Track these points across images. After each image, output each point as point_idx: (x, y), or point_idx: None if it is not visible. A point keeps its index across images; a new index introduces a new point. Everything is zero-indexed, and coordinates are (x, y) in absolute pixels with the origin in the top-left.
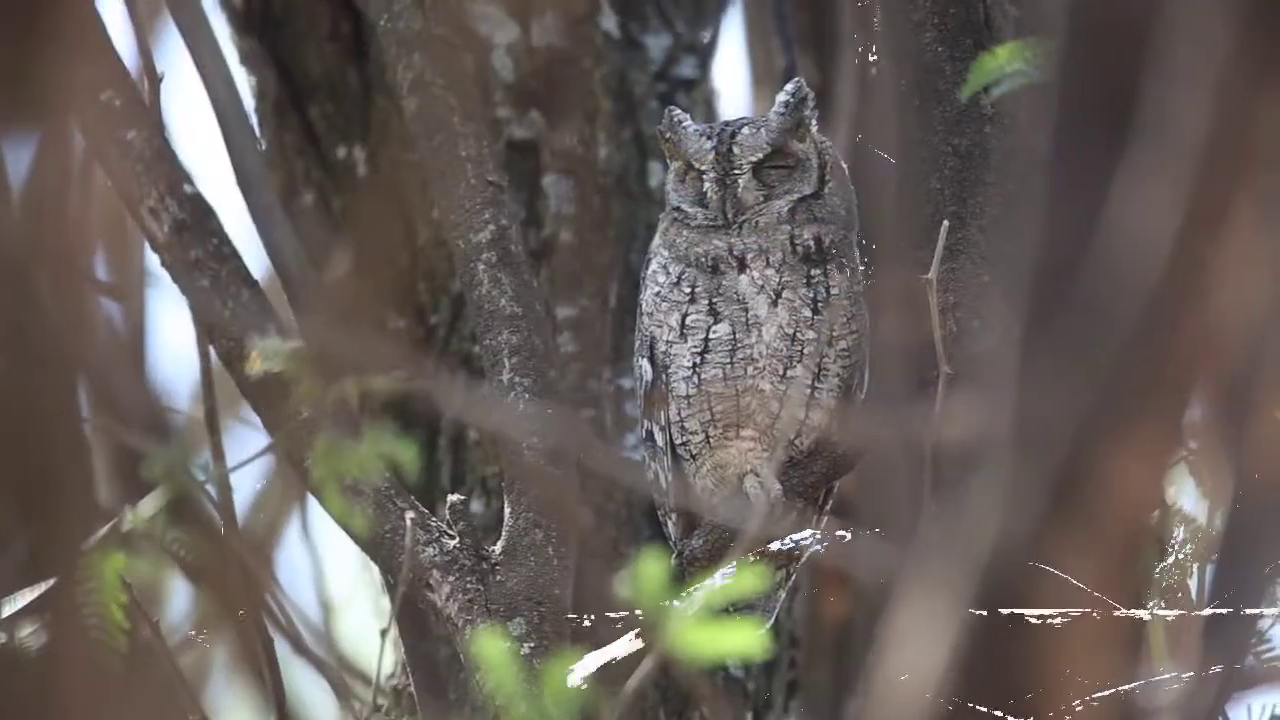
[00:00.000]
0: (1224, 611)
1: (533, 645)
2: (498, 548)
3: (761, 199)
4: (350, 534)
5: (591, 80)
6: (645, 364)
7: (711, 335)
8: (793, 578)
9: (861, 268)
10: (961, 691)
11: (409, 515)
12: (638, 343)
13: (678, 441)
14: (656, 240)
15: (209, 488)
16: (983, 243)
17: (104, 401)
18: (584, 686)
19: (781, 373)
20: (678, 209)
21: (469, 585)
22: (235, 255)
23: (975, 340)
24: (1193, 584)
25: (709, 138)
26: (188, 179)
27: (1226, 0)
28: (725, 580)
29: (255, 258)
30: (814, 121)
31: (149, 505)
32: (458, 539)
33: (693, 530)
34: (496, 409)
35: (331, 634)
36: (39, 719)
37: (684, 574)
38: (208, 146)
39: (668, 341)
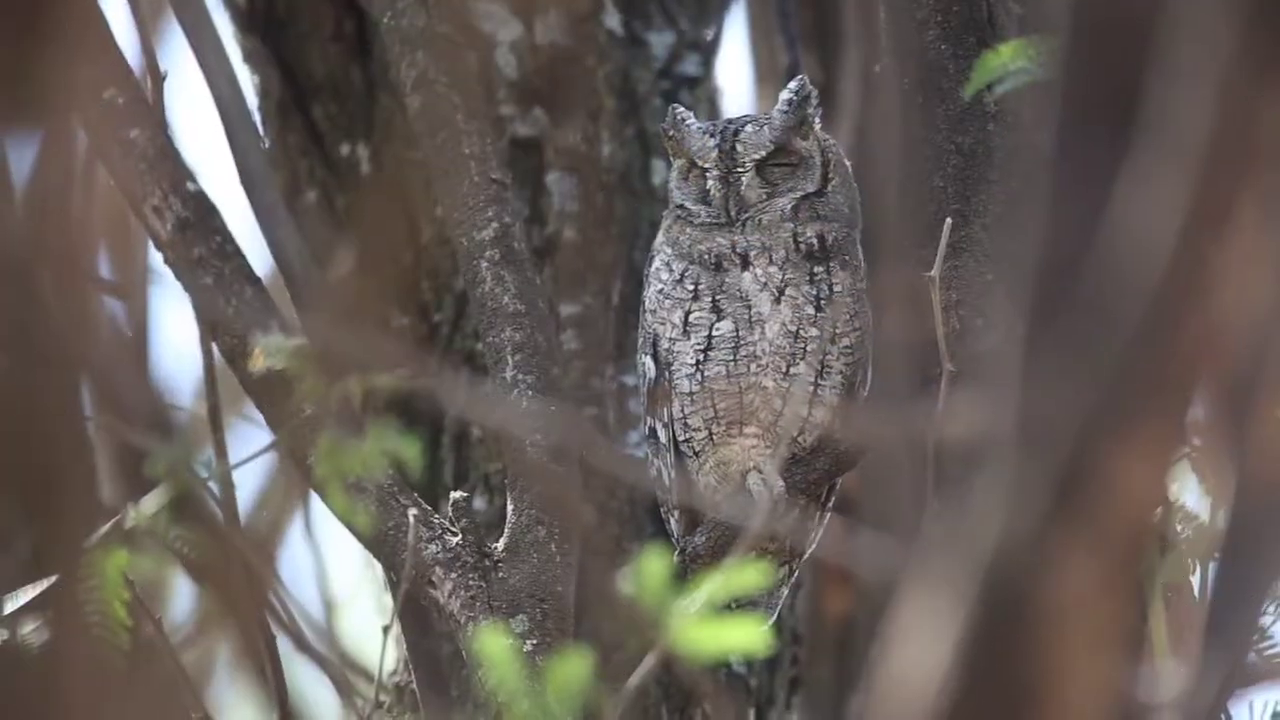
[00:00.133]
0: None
1: (535, 642)
2: (500, 545)
3: (764, 197)
4: (353, 531)
5: (595, 78)
6: (648, 361)
7: (715, 332)
8: (795, 574)
9: (864, 265)
10: (964, 689)
11: (412, 512)
12: (641, 340)
13: (681, 439)
14: (660, 238)
15: (212, 485)
16: (986, 241)
17: (107, 399)
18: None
19: (784, 370)
20: (681, 207)
21: (471, 582)
22: (238, 253)
23: (978, 338)
24: (1195, 581)
25: (712, 135)
26: (191, 177)
27: None
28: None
29: (258, 256)
30: (817, 119)
31: (152, 503)
32: (460, 536)
33: (695, 527)
34: (499, 406)
35: (334, 631)
36: (41, 717)
37: (687, 571)
38: (211, 145)
39: (671, 339)
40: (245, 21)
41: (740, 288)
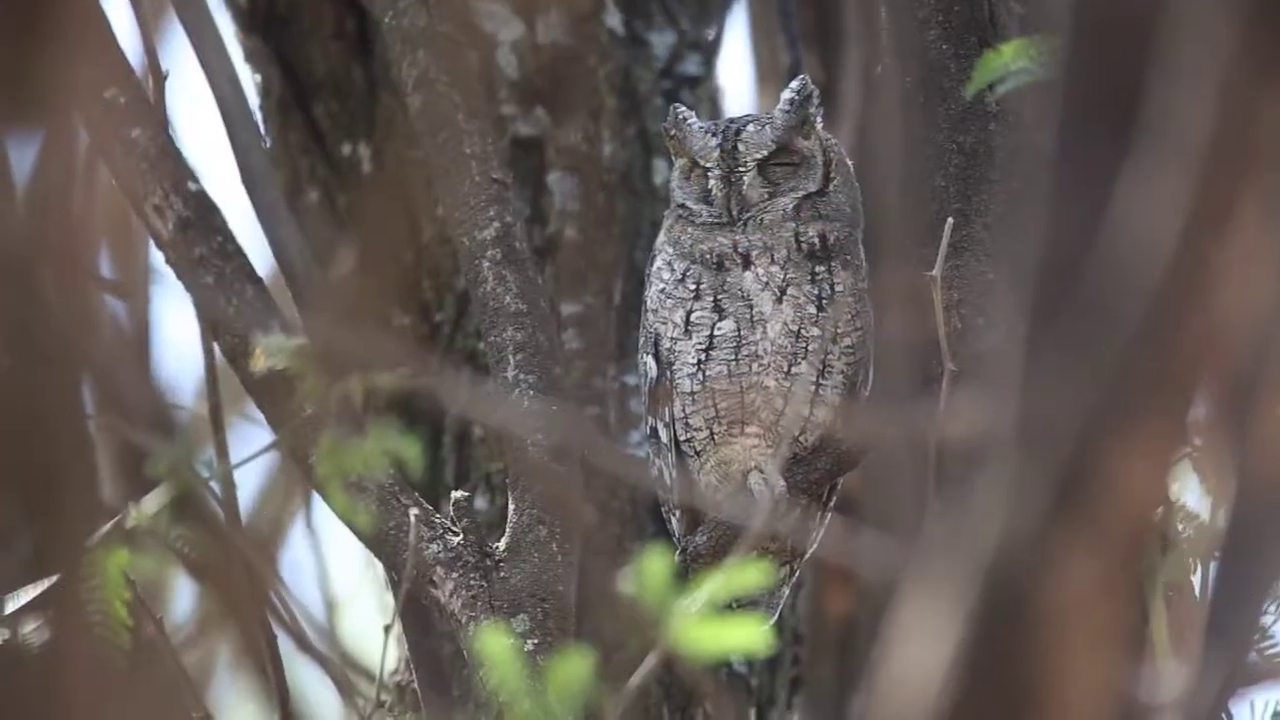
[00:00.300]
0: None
1: (536, 642)
2: (502, 544)
3: (766, 196)
4: (354, 531)
5: (596, 77)
6: (650, 361)
7: (716, 332)
8: (796, 574)
9: (866, 265)
10: (965, 689)
11: (413, 512)
12: (642, 339)
13: (682, 438)
14: (661, 237)
15: (213, 485)
16: (987, 240)
17: (108, 398)
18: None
19: (786, 369)
20: (682, 206)
21: (473, 582)
22: (240, 252)
23: (980, 338)
24: (1196, 581)
25: (714, 135)
26: (192, 176)
27: None
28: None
29: (260, 255)
30: (819, 119)
31: (153, 502)
32: (462, 536)
33: (697, 527)
34: (501, 406)
35: (335, 631)
36: (42, 716)
37: (688, 571)
38: (212, 144)
39: (672, 338)
40: (246, 20)
41: (742, 287)
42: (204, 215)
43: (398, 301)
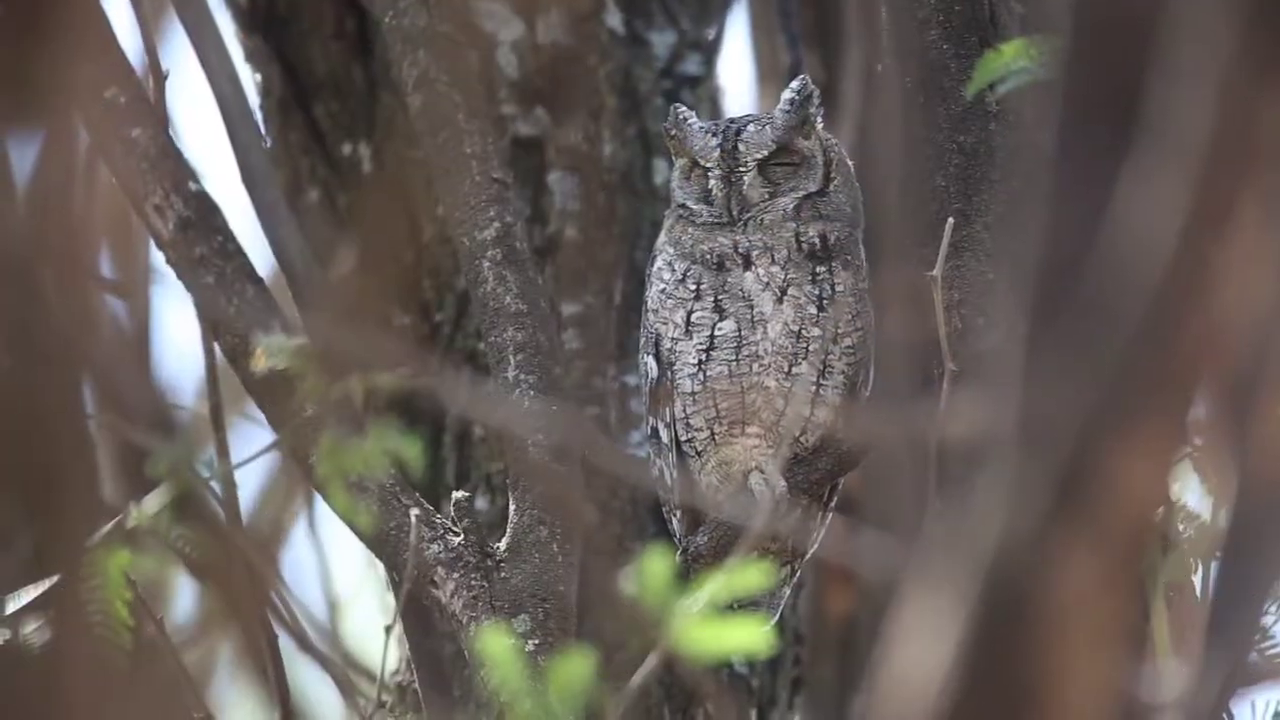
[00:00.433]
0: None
1: (537, 642)
2: (502, 544)
3: (766, 196)
4: (355, 531)
5: (596, 77)
6: (650, 361)
7: (717, 332)
8: (797, 574)
9: (866, 265)
10: (965, 689)
11: (414, 512)
12: (643, 340)
13: (683, 438)
14: (662, 237)
15: (214, 485)
16: (987, 240)
17: (109, 398)
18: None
19: (786, 370)
20: (683, 206)
21: (473, 582)
22: (240, 252)
23: (980, 337)
24: (1196, 581)
25: (714, 135)
26: (192, 176)
27: None
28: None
29: (260, 255)
30: (819, 119)
31: (154, 502)
32: (462, 536)
33: (698, 527)
34: (501, 406)
35: (336, 631)
36: (43, 717)
37: (689, 571)
38: (212, 144)
39: (673, 338)
40: (247, 20)
41: (742, 287)
42: (204, 215)
43: (398, 301)
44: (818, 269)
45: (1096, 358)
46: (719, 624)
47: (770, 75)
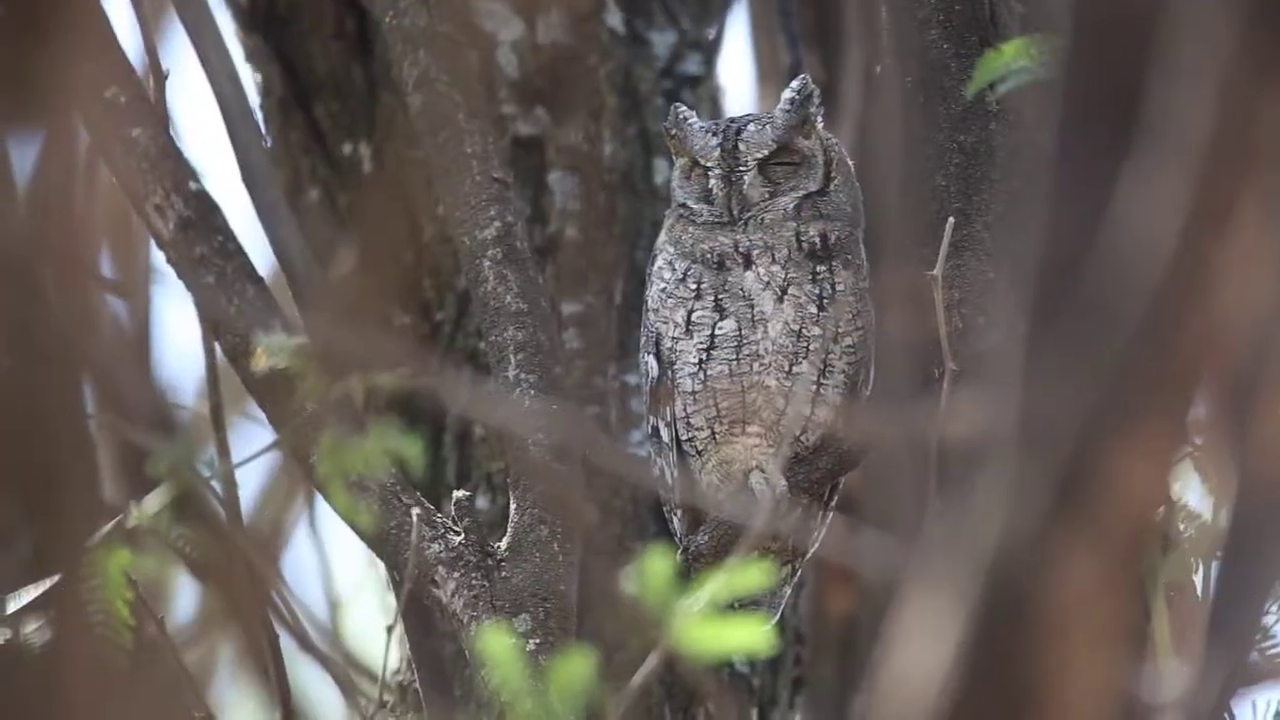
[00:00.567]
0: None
1: (538, 641)
2: (503, 544)
3: (767, 196)
4: (355, 530)
5: (597, 77)
6: (651, 360)
7: (717, 331)
8: (798, 574)
9: (867, 264)
10: (966, 688)
11: (414, 511)
12: (643, 339)
13: (683, 437)
14: (662, 237)
15: (214, 484)
16: (988, 239)
17: (109, 398)
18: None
19: (787, 369)
20: (683, 206)
21: (474, 581)
22: (240, 252)
23: (980, 337)
24: (1197, 580)
25: (714, 134)
26: (193, 176)
27: None
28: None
29: (260, 254)
30: (819, 118)
31: (154, 502)
32: (463, 535)
33: (698, 527)
34: (502, 405)
35: (337, 630)
36: (43, 716)
37: (689, 571)
38: (213, 143)
39: (673, 338)
40: (247, 19)
41: (743, 287)
42: (205, 215)
43: (398, 301)
44: (818, 268)
45: (1096, 358)
46: (720, 623)
47: (770, 75)
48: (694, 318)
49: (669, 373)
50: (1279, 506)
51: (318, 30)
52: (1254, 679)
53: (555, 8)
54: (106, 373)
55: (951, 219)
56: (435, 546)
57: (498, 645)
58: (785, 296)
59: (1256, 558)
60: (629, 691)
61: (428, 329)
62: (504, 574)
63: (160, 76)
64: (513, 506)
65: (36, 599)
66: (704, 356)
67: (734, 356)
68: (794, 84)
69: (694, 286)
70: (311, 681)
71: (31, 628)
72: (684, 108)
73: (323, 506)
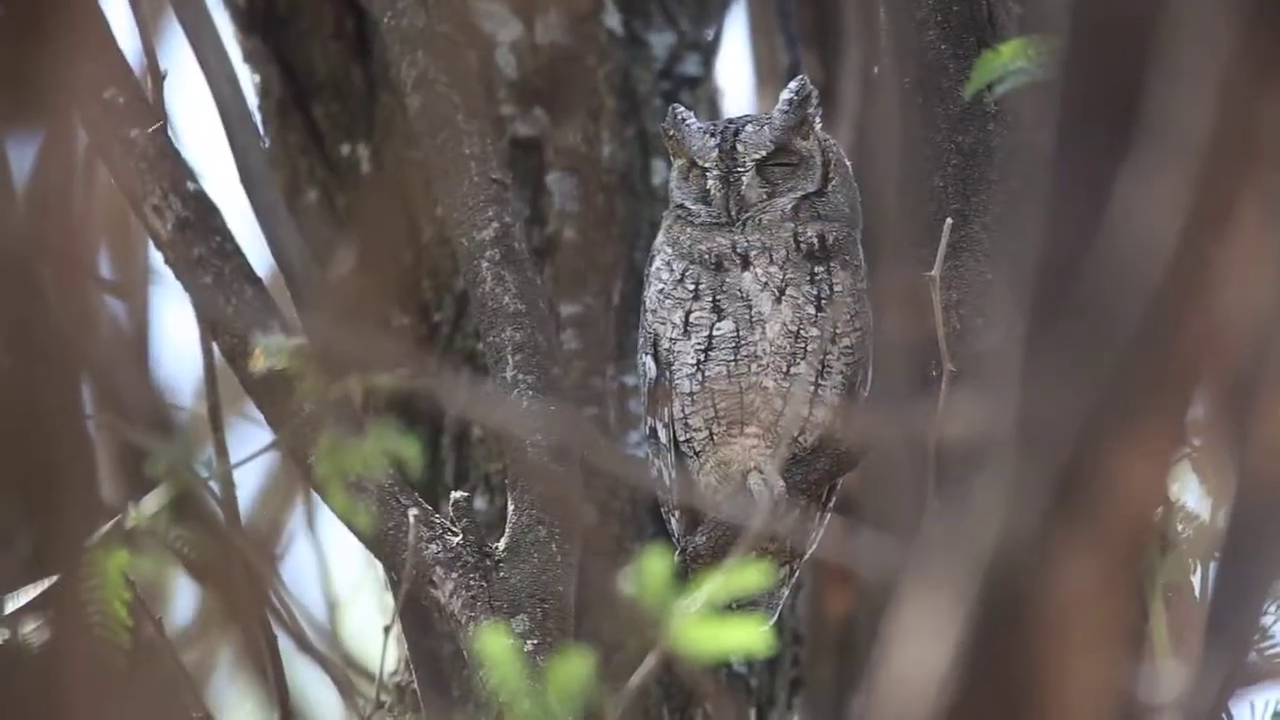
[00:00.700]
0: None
1: (536, 642)
2: (501, 545)
3: (765, 196)
4: (354, 531)
5: (595, 78)
6: (649, 361)
7: (715, 332)
8: (796, 574)
9: (865, 265)
10: (964, 689)
11: (412, 512)
12: (641, 340)
13: (681, 438)
14: (660, 238)
15: (212, 485)
16: (986, 240)
17: (107, 398)
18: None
19: (785, 370)
20: (681, 206)
21: (472, 582)
22: (238, 252)
23: (978, 338)
24: (1196, 581)
25: (713, 135)
26: (191, 177)
27: None
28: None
29: (259, 255)
30: (817, 119)
31: (152, 502)
32: (461, 536)
33: (696, 527)
34: (500, 406)
35: (335, 631)
36: (42, 716)
37: (687, 571)
38: (211, 144)
39: (671, 339)
40: (245, 20)
41: (741, 287)
42: (203, 215)
43: (397, 301)
44: (816, 269)
45: (1095, 358)
46: (718, 624)
47: (769, 75)
48: (692, 318)
49: (667, 374)
50: (1278, 507)
51: (316, 31)
52: (1252, 679)
53: (554, 8)
54: (105, 373)
55: (950, 220)
56: (433, 547)
57: (496, 646)
58: (783, 297)
59: (1255, 558)
60: (627, 692)
61: (426, 330)
62: (502, 574)
63: (159, 77)
64: (511, 507)
65: (35, 599)
66: (702, 357)
67: (732, 357)
68: (792, 85)
69: (692, 287)
70: (310, 682)
71: (30, 628)
72: (682, 109)
73: (321, 507)
